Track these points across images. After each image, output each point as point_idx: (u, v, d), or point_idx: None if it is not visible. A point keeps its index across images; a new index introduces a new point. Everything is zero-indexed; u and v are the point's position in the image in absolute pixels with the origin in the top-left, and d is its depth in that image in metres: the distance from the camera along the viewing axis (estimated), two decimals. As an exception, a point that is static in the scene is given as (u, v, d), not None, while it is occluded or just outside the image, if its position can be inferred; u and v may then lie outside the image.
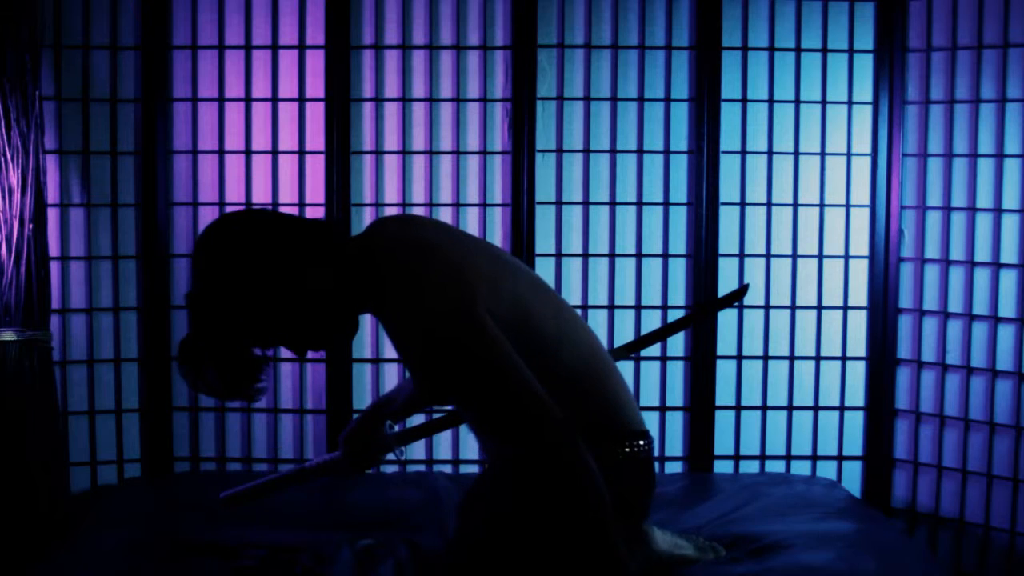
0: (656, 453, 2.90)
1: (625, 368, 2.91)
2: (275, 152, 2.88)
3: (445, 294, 1.55)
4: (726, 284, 2.90)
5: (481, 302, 1.57)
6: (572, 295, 2.93)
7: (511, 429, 1.54)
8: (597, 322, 2.92)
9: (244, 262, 1.60)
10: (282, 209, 2.87)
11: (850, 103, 2.90)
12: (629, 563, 1.56)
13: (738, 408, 2.95)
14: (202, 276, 1.62)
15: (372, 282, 1.63)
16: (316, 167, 2.88)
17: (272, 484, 2.18)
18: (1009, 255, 2.73)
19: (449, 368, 1.55)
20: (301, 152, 2.88)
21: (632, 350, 2.39)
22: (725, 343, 2.92)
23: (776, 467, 2.96)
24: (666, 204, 2.91)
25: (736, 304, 2.88)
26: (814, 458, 2.95)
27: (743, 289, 2.44)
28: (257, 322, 1.62)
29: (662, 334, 2.40)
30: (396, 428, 2.13)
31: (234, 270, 1.60)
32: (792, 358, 2.94)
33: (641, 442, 1.79)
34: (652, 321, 2.92)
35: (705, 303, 2.81)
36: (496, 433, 1.58)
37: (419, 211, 2.89)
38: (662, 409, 2.94)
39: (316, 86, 2.87)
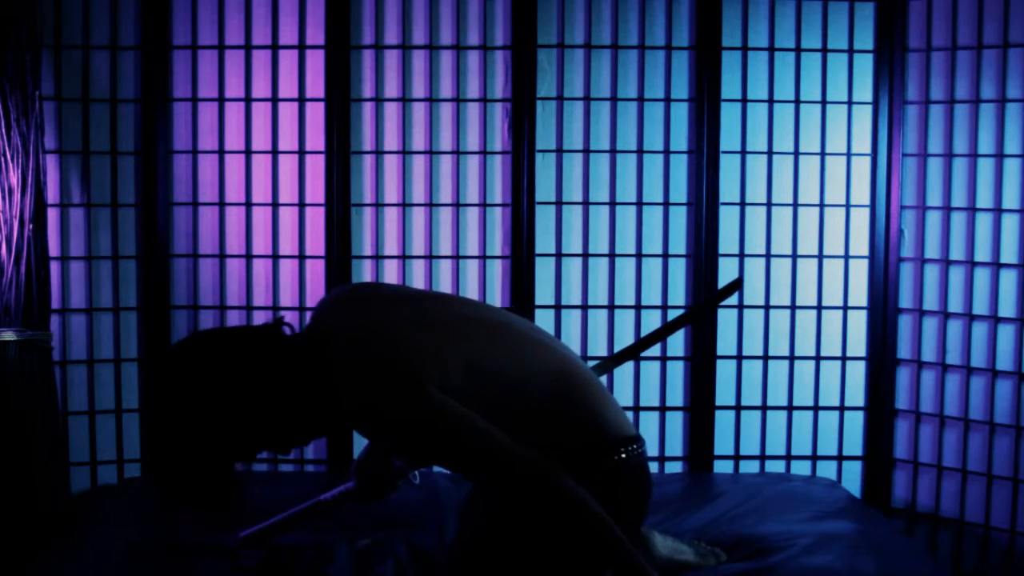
0: (656, 453, 2.92)
1: (625, 369, 2.91)
2: (275, 152, 2.88)
3: (395, 384, 1.60)
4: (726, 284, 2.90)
5: (431, 380, 1.62)
6: (572, 295, 2.93)
7: (488, 480, 1.69)
8: (597, 322, 2.92)
9: (207, 393, 1.63)
10: (282, 209, 2.89)
11: (850, 103, 2.89)
12: (651, 569, 1.60)
13: (738, 408, 2.95)
14: (171, 415, 1.65)
15: (325, 380, 1.67)
16: (316, 167, 2.88)
17: (289, 520, 2.22)
18: (1009, 255, 2.73)
19: (412, 447, 1.66)
20: (301, 152, 2.88)
21: (632, 354, 2.38)
22: (725, 343, 2.92)
23: (776, 467, 2.96)
24: (666, 204, 2.91)
25: (729, 304, 2.88)
26: (814, 458, 2.95)
27: (736, 283, 2.42)
28: (233, 442, 1.67)
29: (661, 334, 2.39)
30: None
31: (200, 403, 1.63)
32: (792, 358, 2.94)
33: (633, 446, 1.78)
34: (652, 321, 2.92)
35: (698, 303, 2.80)
36: (477, 481, 1.78)
37: (419, 211, 2.90)
38: (662, 409, 2.94)
39: (316, 86, 2.87)
